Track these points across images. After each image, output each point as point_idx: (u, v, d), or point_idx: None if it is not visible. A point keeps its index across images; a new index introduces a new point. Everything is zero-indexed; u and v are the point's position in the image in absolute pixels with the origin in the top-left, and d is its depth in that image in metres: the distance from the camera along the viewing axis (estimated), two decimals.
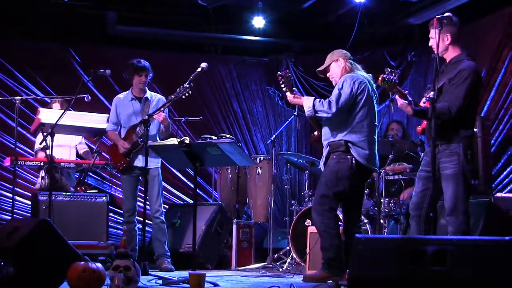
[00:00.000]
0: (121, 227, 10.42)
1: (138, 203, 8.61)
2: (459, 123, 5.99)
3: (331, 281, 6.64)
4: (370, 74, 7.09)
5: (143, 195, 8.02)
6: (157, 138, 8.47)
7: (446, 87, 6.04)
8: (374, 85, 7.01)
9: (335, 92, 6.81)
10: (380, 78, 5.85)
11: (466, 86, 5.95)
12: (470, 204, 6.07)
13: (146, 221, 7.96)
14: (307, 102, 6.86)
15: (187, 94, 7.92)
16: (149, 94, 8.61)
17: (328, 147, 6.92)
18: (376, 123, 7.01)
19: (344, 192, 6.83)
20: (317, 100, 6.84)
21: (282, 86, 6.97)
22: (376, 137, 6.95)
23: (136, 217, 8.55)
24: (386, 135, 9.69)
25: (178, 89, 7.93)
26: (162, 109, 8.06)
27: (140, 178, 8.55)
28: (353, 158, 6.74)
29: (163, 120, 8.31)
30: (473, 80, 5.99)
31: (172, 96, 7.92)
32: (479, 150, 8.95)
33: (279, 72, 7.01)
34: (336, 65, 7.06)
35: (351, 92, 6.75)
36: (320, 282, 6.68)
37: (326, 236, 6.83)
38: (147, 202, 8.05)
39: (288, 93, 6.96)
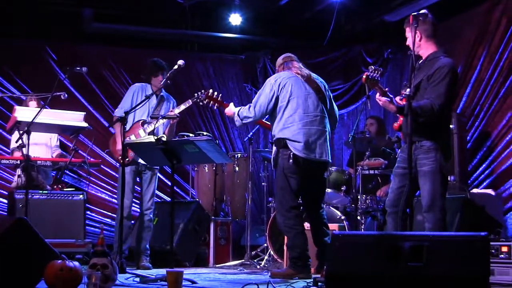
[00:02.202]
0: (98, 225, 10.38)
1: (114, 200, 8.58)
2: (436, 120, 6.01)
3: (297, 277, 6.80)
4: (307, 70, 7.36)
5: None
6: None
7: (424, 84, 6.06)
8: (314, 76, 7.30)
9: (257, 95, 7.19)
10: (364, 76, 5.87)
11: (446, 83, 5.96)
12: (446, 200, 6.10)
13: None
14: (235, 113, 7.24)
15: (205, 102, 7.98)
16: (165, 94, 8.62)
17: (274, 146, 7.16)
18: (317, 114, 7.13)
19: (297, 186, 7.00)
20: (242, 107, 7.21)
21: (214, 106, 7.60)
22: (313, 129, 7.06)
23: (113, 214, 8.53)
24: (364, 131, 9.74)
25: (196, 94, 7.95)
26: (177, 111, 8.25)
27: (137, 179, 8.55)
28: (291, 153, 6.93)
29: (172, 123, 8.45)
30: (452, 77, 6.02)
31: (190, 101, 8.01)
32: (455, 147, 9.01)
33: (202, 94, 7.68)
34: None
35: (271, 90, 7.06)
36: (286, 278, 6.77)
37: (288, 235, 7.07)
38: (125, 199, 8.01)
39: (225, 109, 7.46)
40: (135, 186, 8.53)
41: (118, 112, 8.51)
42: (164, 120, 8.26)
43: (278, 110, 7.04)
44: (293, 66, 7.30)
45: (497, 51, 9.80)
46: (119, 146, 8.33)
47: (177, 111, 8.24)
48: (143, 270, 7.91)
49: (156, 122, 8.31)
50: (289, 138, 6.94)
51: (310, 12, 12.05)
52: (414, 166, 5.99)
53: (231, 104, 7.45)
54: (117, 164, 8.68)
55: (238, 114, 7.18)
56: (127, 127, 8.38)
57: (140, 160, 8.27)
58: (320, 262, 7.11)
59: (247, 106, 7.16)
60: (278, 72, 7.35)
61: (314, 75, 7.33)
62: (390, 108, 6.04)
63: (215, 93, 7.54)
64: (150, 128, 8.32)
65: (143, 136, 8.27)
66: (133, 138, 8.23)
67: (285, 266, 8.05)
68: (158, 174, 10.77)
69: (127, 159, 8.34)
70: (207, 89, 11.78)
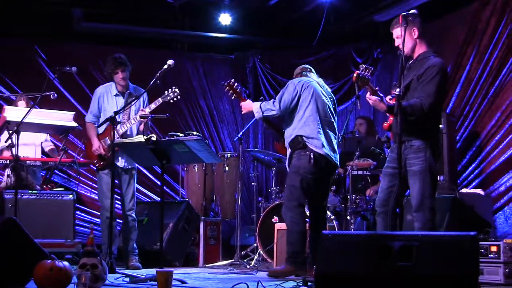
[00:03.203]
0: (88, 225, 10.36)
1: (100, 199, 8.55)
2: (426, 120, 6.01)
3: (294, 275, 6.79)
4: (322, 81, 7.61)
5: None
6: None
7: (414, 84, 6.06)
8: (328, 89, 7.58)
9: (280, 92, 7.34)
10: (355, 75, 5.88)
11: (436, 82, 5.97)
12: (435, 199, 6.11)
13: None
14: (255, 106, 7.37)
15: (175, 99, 7.96)
16: (132, 88, 8.54)
17: (289, 148, 7.27)
18: (331, 120, 7.36)
19: (308, 186, 7.12)
20: (264, 102, 7.39)
21: (233, 96, 7.62)
22: (330, 132, 7.29)
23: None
24: (353, 131, 9.75)
25: (166, 91, 7.94)
26: (148, 110, 8.13)
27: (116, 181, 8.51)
28: (312, 153, 7.07)
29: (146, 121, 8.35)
30: (442, 76, 6.02)
31: (160, 99, 7.96)
32: (445, 146, 9.03)
33: (223, 82, 7.69)
34: None
35: (295, 90, 7.25)
36: (285, 276, 6.78)
37: (293, 230, 7.12)
38: (114, 200, 7.99)
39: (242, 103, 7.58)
40: (115, 180, 8.50)
41: (88, 118, 8.52)
42: (138, 118, 8.21)
43: (299, 108, 7.23)
44: (311, 77, 7.54)
45: (487, 51, 9.83)
46: (95, 146, 8.31)
47: (147, 110, 8.15)
48: (133, 270, 7.89)
49: (128, 123, 8.27)
50: (309, 135, 7.12)
51: (299, 12, 12.05)
52: (404, 165, 6.01)
53: (249, 100, 7.65)
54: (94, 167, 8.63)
55: (260, 107, 7.32)
56: (100, 130, 8.36)
57: (117, 163, 8.25)
58: (311, 262, 7.11)
59: (271, 101, 7.36)
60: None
61: (329, 89, 7.60)
62: (380, 107, 6.05)
63: (236, 83, 7.60)
64: (123, 129, 8.27)
65: (116, 137, 8.24)
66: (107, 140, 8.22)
67: (275, 265, 8.06)
68: (148, 174, 10.77)
69: (102, 163, 8.33)
70: (196, 90, 11.86)
